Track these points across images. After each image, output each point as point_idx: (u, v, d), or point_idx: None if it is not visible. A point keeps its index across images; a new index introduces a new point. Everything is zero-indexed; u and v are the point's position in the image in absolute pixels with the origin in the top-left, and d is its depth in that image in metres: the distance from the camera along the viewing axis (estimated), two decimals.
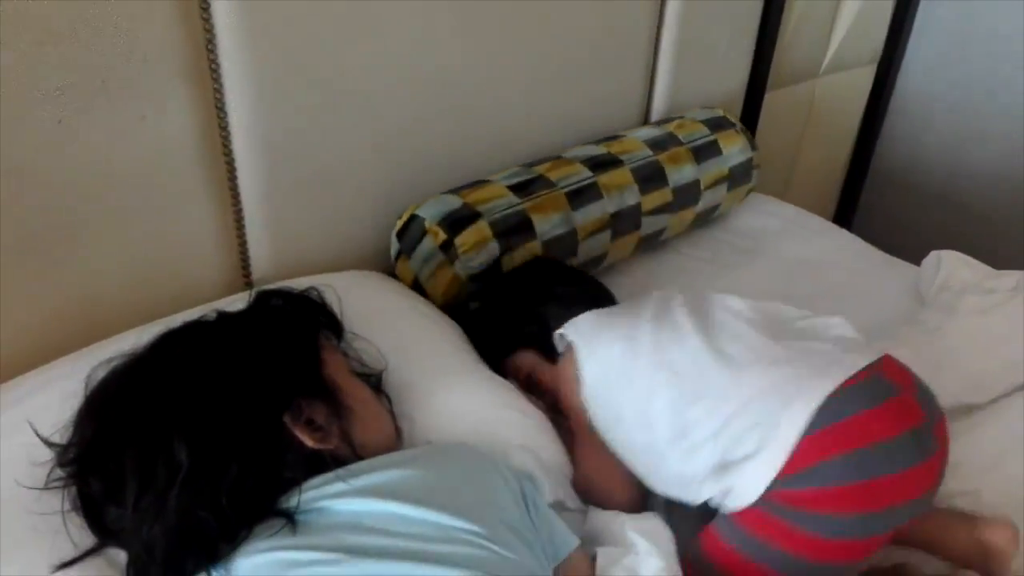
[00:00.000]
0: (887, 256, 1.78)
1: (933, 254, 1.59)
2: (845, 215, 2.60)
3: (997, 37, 2.22)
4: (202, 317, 0.96)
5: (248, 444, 0.82)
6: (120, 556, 0.83)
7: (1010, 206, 2.30)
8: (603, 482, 1.09)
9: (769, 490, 0.91)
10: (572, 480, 1.09)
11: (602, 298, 1.27)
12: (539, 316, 1.20)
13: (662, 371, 1.03)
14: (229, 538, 0.77)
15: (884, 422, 0.92)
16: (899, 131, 2.48)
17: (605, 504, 1.06)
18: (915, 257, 1.70)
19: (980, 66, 2.28)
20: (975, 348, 1.22)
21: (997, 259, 1.58)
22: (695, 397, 0.99)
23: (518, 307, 1.25)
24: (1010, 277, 1.46)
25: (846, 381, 0.93)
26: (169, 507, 0.77)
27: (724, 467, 0.95)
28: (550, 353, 1.19)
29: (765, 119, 2.13)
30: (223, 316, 0.97)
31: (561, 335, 1.16)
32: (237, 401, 0.84)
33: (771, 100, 2.13)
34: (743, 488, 0.93)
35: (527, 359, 1.22)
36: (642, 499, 1.11)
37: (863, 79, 2.43)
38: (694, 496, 1.00)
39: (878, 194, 2.56)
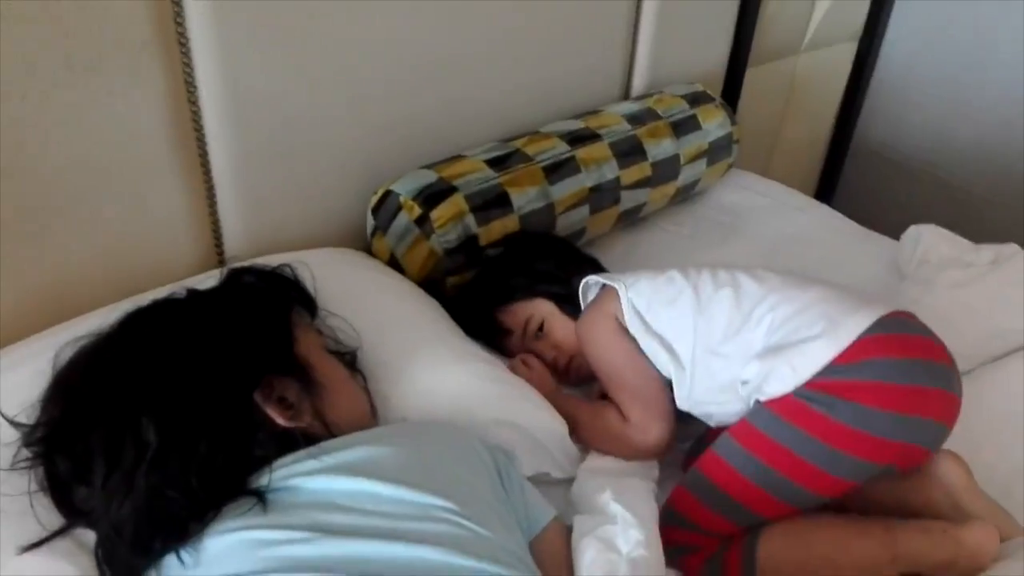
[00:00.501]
0: (867, 231, 1.78)
1: (912, 228, 1.59)
2: (826, 190, 2.60)
3: (979, 13, 2.21)
4: (171, 294, 0.95)
5: (217, 422, 0.81)
6: (88, 537, 0.82)
7: (990, 181, 2.30)
8: (640, 407, 1.11)
9: (814, 378, 0.97)
10: (596, 426, 1.14)
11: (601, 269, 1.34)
12: (560, 268, 1.29)
13: (724, 288, 1.10)
14: (198, 517, 0.76)
15: (927, 348, 1.02)
16: (880, 107, 2.48)
17: (646, 429, 1.10)
18: (896, 232, 1.70)
19: (961, 43, 2.27)
20: (954, 321, 1.22)
21: (977, 233, 1.58)
22: (756, 302, 1.07)
23: (541, 257, 1.32)
24: (988, 251, 1.47)
25: (898, 311, 1.04)
26: (137, 486, 0.76)
27: (776, 349, 1.02)
28: (567, 306, 1.25)
29: (746, 95, 2.12)
30: (193, 293, 0.95)
31: (592, 281, 1.22)
32: (206, 379, 0.83)
33: (752, 76, 2.11)
34: (794, 367, 0.98)
35: (544, 307, 1.26)
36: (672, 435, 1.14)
37: (845, 55, 2.42)
38: (729, 397, 1.06)
39: (859, 170, 2.56)
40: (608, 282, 1.19)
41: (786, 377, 0.99)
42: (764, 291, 1.09)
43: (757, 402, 1.03)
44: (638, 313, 1.14)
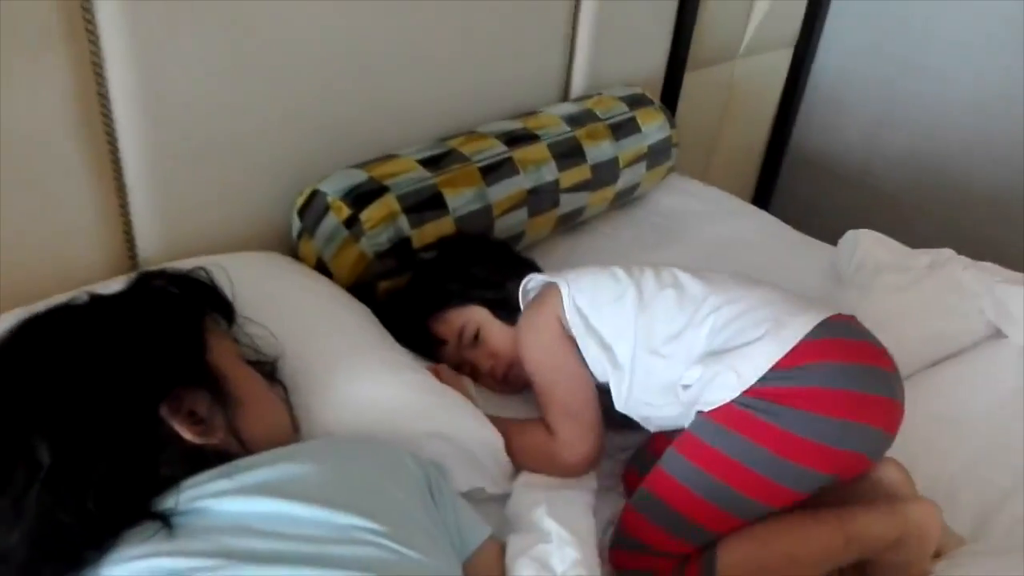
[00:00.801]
0: (804, 236, 1.79)
1: (850, 233, 1.59)
2: (763, 196, 2.62)
3: (912, 21, 2.26)
4: (70, 299, 0.87)
5: (119, 440, 0.74)
6: None
7: (922, 187, 2.34)
8: (569, 423, 1.08)
9: (756, 384, 0.95)
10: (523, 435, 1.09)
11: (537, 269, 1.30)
12: (495, 273, 1.24)
13: (667, 288, 1.08)
14: (95, 544, 0.70)
15: (871, 354, 1.01)
16: (816, 114, 2.51)
17: (574, 447, 1.06)
18: (831, 237, 1.71)
19: (895, 50, 2.31)
20: (892, 325, 1.20)
21: (908, 240, 1.59)
22: (699, 302, 1.05)
23: (473, 262, 1.26)
24: (924, 255, 1.48)
25: (841, 315, 1.03)
26: (28, 511, 0.69)
27: (719, 353, 1.00)
28: (502, 313, 1.20)
29: (685, 100, 2.12)
30: (94, 298, 0.87)
31: (534, 282, 1.18)
32: (106, 391, 0.76)
33: (691, 81, 2.11)
34: (738, 373, 0.96)
35: (478, 314, 1.21)
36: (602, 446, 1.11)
37: (781, 61, 2.45)
38: (668, 400, 1.04)
39: (795, 176, 2.59)
40: (551, 279, 1.15)
41: (730, 384, 0.97)
42: (707, 292, 1.06)
43: (700, 414, 1.00)
44: (579, 310, 1.10)
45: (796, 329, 0.98)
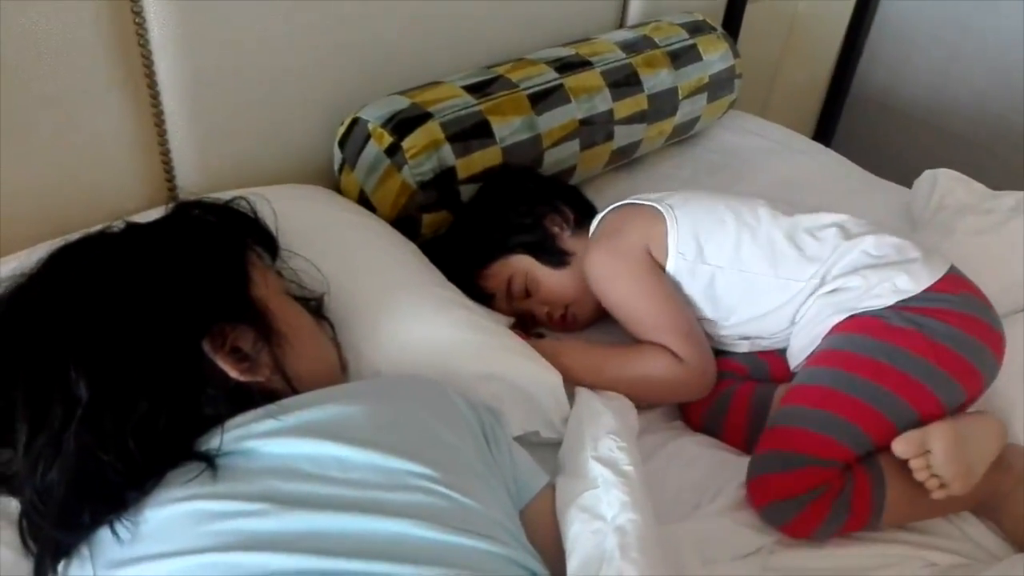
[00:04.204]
0: (872, 176, 1.69)
1: (928, 173, 1.50)
2: (825, 136, 2.50)
3: None
4: (105, 227, 0.82)
5: (159, 375, 0.71)
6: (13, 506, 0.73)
7: (995, 130, 2.22)
8: (690, 335, 1.07)
9: (907, 301, 1.01)
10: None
11: (589, 206, 1.26)
12: (531, 213, 1.18)
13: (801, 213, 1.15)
14: (137, 485, 0.67)
15: (985, 297, 1.07)
16: (883, 49, 2.38)
17: (703, 367, 1.07)
18: (897, 181, 1.62)
19: None
20: (976, 270, 1.13)
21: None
22: (844, 223, 1.12)
23: (522, 205, 1.20)
24: (1009, 197, 1.38)
25: None
26: (66, 449, 0.67)
27: (878, 265, 1.05)
28: (547, 256, 1.16)
29: (745, 33, 2.00)
30: (131, 227, 0.83)
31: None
32: (146, 324, 0.72)
33: (752, 12, 1.99)
34: (895, 285, 1.02)
35: (522, 262, 1.16)
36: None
37: None
38: (797, 305, 1.07)
39: (859, 115, 2.47)
40: (646, 202, 1.14)
41: (886, 293, 1.01)
42: (846, 217, 1.12)
43: (837, 329, 1.02)
44: (695, 237, 1.10)
45: (944, 261, 1.05)
